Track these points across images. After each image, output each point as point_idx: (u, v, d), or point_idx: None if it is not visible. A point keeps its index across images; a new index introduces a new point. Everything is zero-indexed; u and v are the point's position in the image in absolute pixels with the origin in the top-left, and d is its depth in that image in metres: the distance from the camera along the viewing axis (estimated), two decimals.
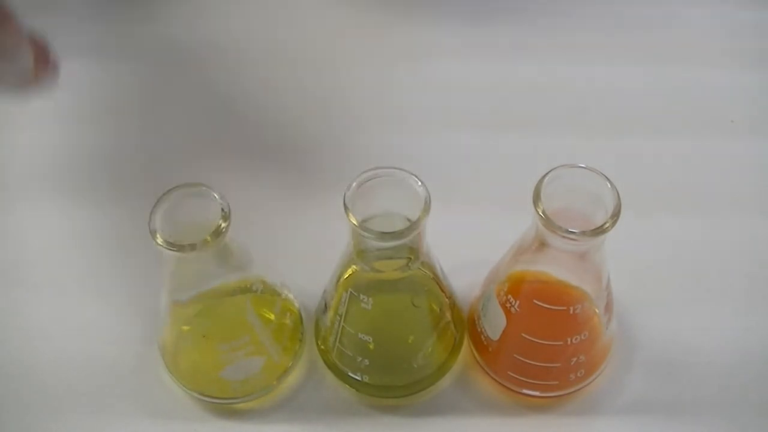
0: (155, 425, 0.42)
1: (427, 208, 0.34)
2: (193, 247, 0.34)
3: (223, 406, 0.42)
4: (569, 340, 0.38)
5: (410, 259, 0.37)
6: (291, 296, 0.43)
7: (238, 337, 0.39)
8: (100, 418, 0.42)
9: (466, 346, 0.43)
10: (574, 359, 0.39)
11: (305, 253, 0.46)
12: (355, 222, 0.33)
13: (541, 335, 0.38)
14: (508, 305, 0.39)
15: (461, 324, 0.43)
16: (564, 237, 0.33)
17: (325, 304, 0.41)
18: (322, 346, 0.42)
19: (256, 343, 0.40)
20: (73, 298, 0.46)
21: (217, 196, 0.35)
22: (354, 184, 0.34)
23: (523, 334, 0.39)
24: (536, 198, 0.34)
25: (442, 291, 0.40)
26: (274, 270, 0.42)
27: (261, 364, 0.41)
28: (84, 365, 0.44)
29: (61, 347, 0.44)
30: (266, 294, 0.40)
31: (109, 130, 0.55)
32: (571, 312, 0.37)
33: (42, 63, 0.37)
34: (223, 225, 0.34)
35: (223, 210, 0.35)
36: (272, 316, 0.41)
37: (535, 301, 0.38)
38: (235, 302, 0.40)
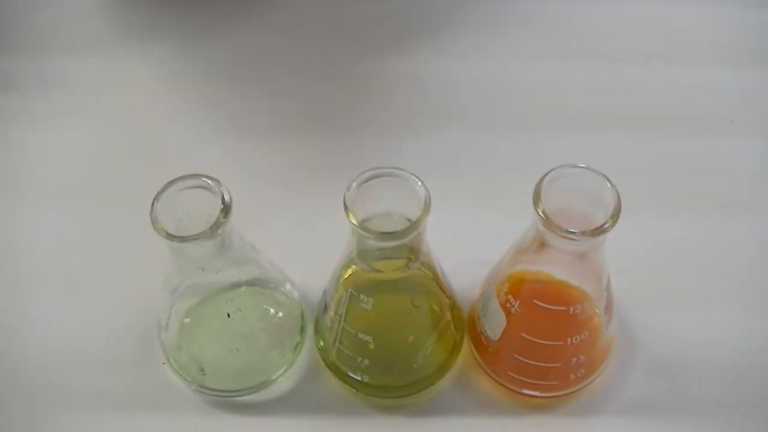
0: (155, 421, 0.42)
1: (427, 208, 0.34)
2: (195, 237, 0.33)
3: (223, 403, 0.42)
4: (569, 340, 0.38)
5: (410, 259, 0.37)
6: (292, 291, 0.43)
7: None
8: (100, 414, 0.42)
9: (466, 346, 0.43)
10: (574, 359, 0.39)
11: (305, 253, 0.46)
12: (355, 222, 0.33)
13: (541, 335, 0.38)
14: (508, 305, 0.39)
15: (461, 324, 0.43)
16: (564, 237, 0.33)
17: (325, 304, 0.41)
18: (322, 346, 0.42)
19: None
20: (73, 296, 0.46)
21: (218, 187, 0.34)
22: (354, 184, 0.34)
23: (523, 334, 0.39)
24: (536, 198, 0.34)
25: (442, 291, 0.40)
26: (275, 265, 0.42)
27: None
28: (84, 361, 0.44)
29: (61, 344, 0.44)
30: (267, 288, 0.40)
31: (109, 127, 0.55)
32: (571, 312, 0.37)
33: None
34: (224, 215, 0.34)
35: (224, 200, 0.34)
36: (273, 310, 0.41)
37: (535, 301, 0.38)
38: (240, 293, 0.40)
